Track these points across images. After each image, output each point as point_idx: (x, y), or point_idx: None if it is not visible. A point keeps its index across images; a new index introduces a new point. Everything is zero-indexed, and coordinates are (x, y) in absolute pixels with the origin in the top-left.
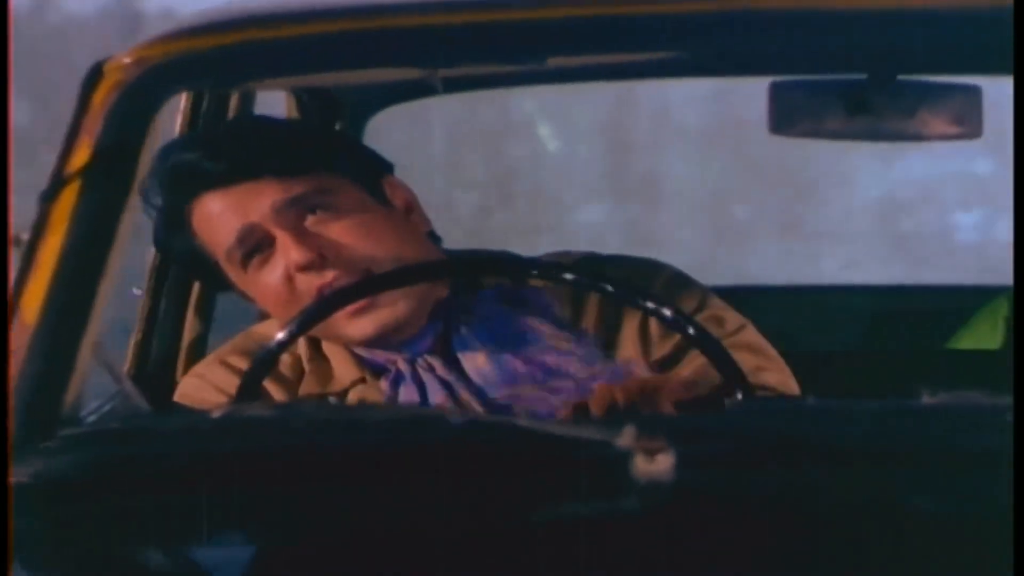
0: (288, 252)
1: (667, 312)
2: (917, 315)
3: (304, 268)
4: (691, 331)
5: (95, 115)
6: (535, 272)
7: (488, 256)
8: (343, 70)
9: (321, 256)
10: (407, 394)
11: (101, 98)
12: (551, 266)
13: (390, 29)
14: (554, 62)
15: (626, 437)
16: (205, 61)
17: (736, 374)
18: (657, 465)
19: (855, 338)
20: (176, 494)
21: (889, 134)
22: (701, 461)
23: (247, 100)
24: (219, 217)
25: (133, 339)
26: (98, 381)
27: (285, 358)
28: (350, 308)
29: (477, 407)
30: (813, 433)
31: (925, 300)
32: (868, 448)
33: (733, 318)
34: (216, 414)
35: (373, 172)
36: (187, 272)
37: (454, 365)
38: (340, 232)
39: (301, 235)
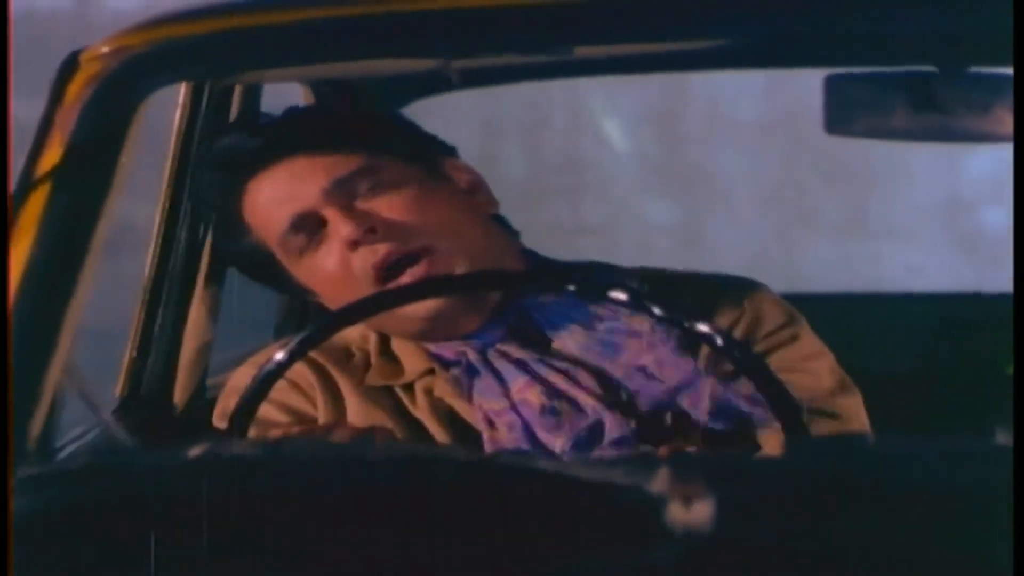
0: (339, 229)
1: (718, 339)
2: (986, 325)
3: (356, 243)
4: (739, 355)
5: (69, 110)
6: (575, 287)
7: (523, 271)
8: (347, 60)
9: (372, 230)
10: (483, 384)
11: (76, 91)
12: (596, 282)
13: (398, 15)
14: (582, 52)
15: (659, 480)
16: (191, 50)
17: (790, 408)
18: (694, 513)
19: (919, 351)
20: (146, 541)
21: (959, 134)
22: (743, 508)
23: (253, 93)
24: (269, 205)
25: (126, 357)
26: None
27: (354, 351)
28: (403, 283)
29: (567, 387)
30: (868, 477)
31: (995, 308)
32: (930, 494)
33: (810, 343)
34: (194, 452)
35: (430, 153)
36: (248, 274)
37: (536, 349)
38: (391, 206)
39: (351, 211)
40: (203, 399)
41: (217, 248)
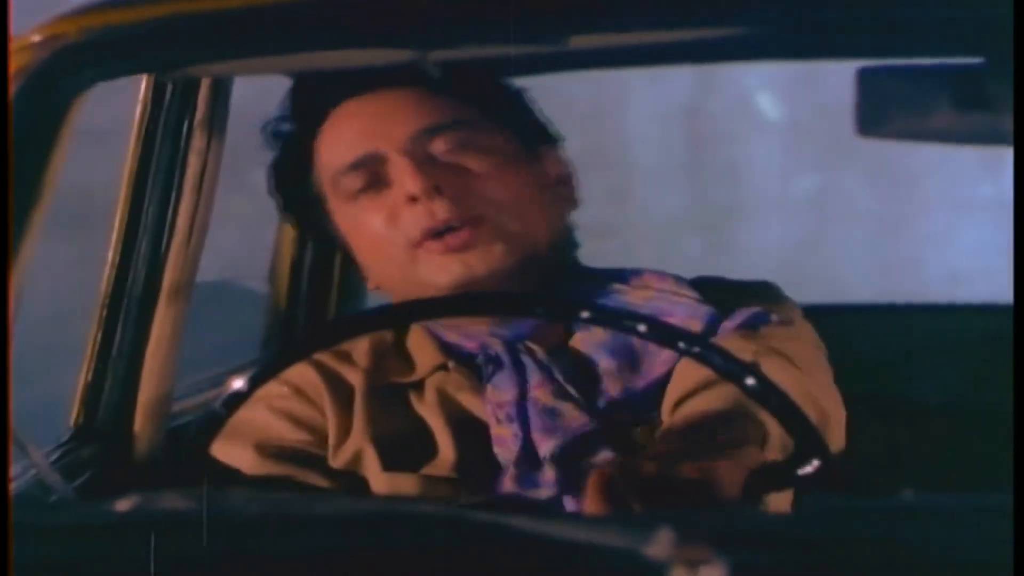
0: (403, 179)
1: (721, 361)
2: None
3: (414, 198)
4: (751, 383)
5: None
6: (584, 315)
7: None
8: (308, 51)
9: (436, 187)
10: (505, 379)
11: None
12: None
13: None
14: (578, 42)
15: (661, 544)
16: (133, 40)
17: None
18: None
19: (964, 369)
20: None
21: (1010, 135)
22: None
23: (222, 87)
24: (344, 136)
25: (81, 380)
26: None
27: (369, 350)
28: (436, 247)
29: (572, 391)
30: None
31: None
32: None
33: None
34: (124, 506)
35: (533, 134)
36: (290, 210)
37: (562, 356)
38: (467, 170)
39: (423, 163)
40: (167, 427)
41: (272, 172)
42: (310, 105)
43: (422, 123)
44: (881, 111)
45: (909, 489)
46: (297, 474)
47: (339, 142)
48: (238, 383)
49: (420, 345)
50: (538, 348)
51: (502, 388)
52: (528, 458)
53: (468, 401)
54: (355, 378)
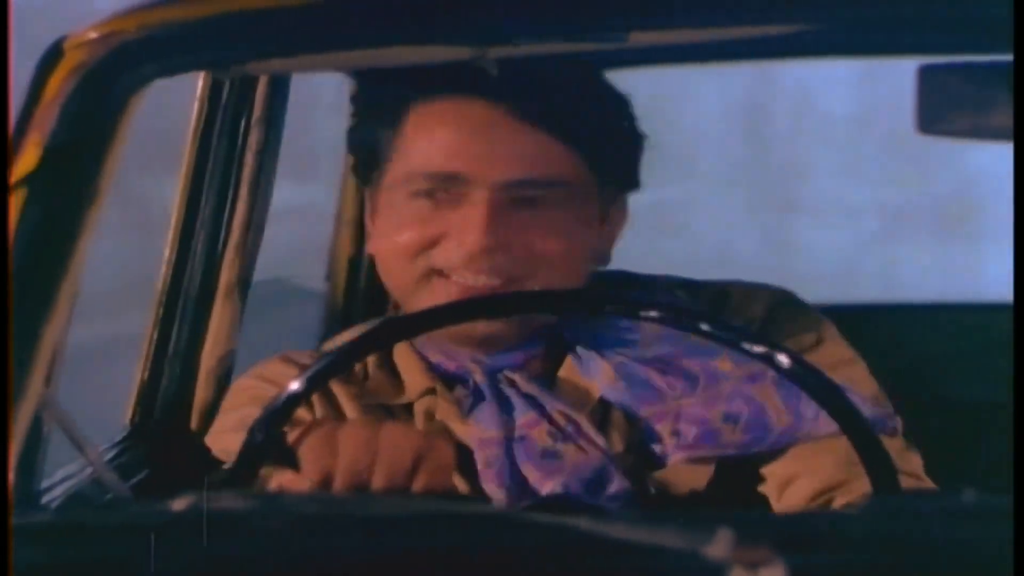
0: (471, 229)
1: (783, 359)
2: None
3: (473, 255)
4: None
5: (48, 106)
6: (610, 308)
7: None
8: (365, 47)
9: (504, 247)
10: (488, 411)
11: (57, 84)
12: (633, 302)
13: None
14: (637, 39)
15: (721, 545)
16: (190, 36)
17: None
18: None
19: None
20: None
21: None
22: None
23: (280, 84)
24: (442, 142)
25: (137, 379)
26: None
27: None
28: (453, 289)
29: (570, 429)
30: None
31: None
32: None
33: (836, 349)
34: (179, 506)
35: (621, 183)
36: (355, 147)
37: (551, 388)
38: (536, 228)
39: (499, 212)
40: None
41: (352, 139)
42: (410, 97)
43: (521, 173)
44: (942, 109)
45: (970, 489)
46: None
47: (436, 145)
48: (295, 384)
49: (407, 365)
50: (523, 380)
51: (485, 424)
52: (523, 499)
53: (458, 429)
54: (345, 388)
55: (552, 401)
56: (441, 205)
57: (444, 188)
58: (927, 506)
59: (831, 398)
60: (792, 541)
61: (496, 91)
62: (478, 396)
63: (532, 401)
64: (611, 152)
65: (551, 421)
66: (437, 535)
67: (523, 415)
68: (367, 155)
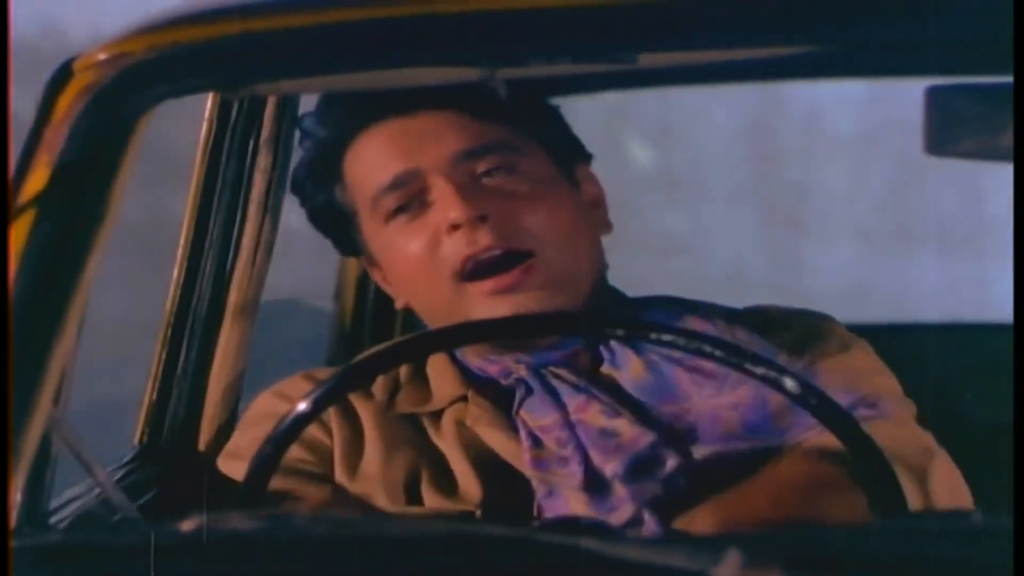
0: (447, 207)
1: (789, 383)
2: None
3: (458, 226)
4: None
5: (58, 126)
6: (622, 332)
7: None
8: (375, 69)
9: (483, 218)
10: (535, 400)
11: (67, 105)
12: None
13: (437, 17)
14: (647, 61)
15: (730, 565)
16: (199, 58)
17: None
18: None
19: None
20: None
21: None
22: None
23: (289, 105)
24: (381, 153)
25: (145, 399)
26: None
27: (382, 376)
28: (486, 287)
29: (622, 416)
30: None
31: None
32: None
33: (865, 359)
34: (187, 527)
35: (571, 154)
36: (319, 225)
37: (596, 380)
38: (513, 197)
39: (468, 189)
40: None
41: (296, 185)
42: (345, 116)
43: (464, 144)
44: (950, 129)
45: (977, 510)
46: (297, 489)
47: (377, 160)
48: (303, 405)
49: (440, 374)
50: (567, 373)
51: (539, 412)
52: (594, 480)
53: (488, 435)
54: (366, 403)
55: (597, 390)
56: (416, 212)
57: (408, 194)
58: (933, 526)
59: (840, 421)
60: (799, 561)
61: (424, 105)
62: (527, 390)
63: (579, 388)
64: (541, 122)
65: (603, 402)
66: (443, 557)
67: (573, 401)
68: (335, 223)
